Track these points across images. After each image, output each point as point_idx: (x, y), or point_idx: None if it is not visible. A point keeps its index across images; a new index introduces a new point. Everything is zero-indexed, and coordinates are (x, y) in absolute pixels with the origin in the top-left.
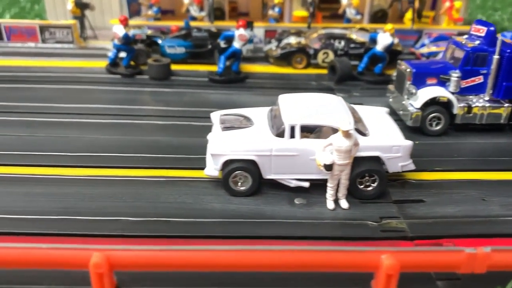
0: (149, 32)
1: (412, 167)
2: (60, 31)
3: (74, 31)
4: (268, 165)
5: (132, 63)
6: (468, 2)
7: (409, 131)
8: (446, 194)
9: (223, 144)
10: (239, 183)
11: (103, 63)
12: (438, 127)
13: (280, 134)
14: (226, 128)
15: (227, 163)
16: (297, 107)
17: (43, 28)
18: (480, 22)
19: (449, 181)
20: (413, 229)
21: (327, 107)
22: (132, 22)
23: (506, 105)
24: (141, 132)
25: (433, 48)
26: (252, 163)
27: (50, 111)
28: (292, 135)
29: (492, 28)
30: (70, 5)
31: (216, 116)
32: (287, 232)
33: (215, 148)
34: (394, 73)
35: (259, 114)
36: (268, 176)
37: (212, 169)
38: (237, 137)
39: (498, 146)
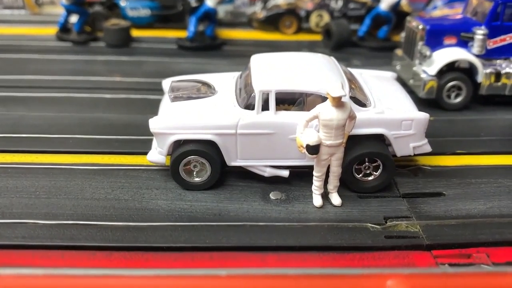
0: None
1: (428, 148)
2: None
3: None
4: (233, 147)
5: (87, 28)
6: None
7: (422, 104)
8: (472, 185)
9: (170, 119)
10: (194, 173)
11: (54, 30)
12: (458, 99)
13: (250, 106)
14: (177, 98)
15: (176, 146)
16: (273, 69)
17: None
18: None
19: (476, 168)
20: (430, 233)
21: (313, 69)
22: None
23: None
24: (81, 108)
25: (447, 11)
26: (211, 144)
27: None
28: (266, 107)
29: None
30: None
31: (167, 83)
32: (258, 240)
33: (158, 125)
34: (402, 34)
35: (224, 81)
36: (234, 162)
37: (157, 154)
38: (189, 109)
39: None
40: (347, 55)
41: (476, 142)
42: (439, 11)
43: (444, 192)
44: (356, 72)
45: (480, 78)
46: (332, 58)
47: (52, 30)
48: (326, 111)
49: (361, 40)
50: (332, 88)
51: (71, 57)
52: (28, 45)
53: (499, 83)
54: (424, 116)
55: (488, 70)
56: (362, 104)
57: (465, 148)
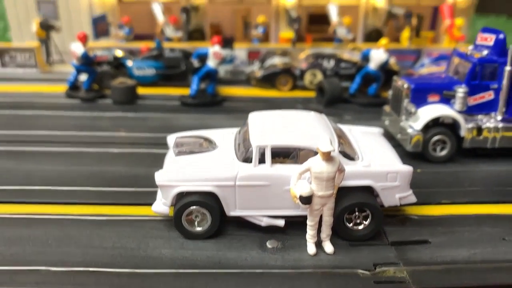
0: (119, 53)
1: (413, 199)
2: (21, 55)
3: (36, 54)
4: (232, 198)
5: (95, 86)
6: (471, 22)
7: (409, 157)
8: (456, 233)
9: (173, 172)
10: (196, 223)
11: (64, 88)
12: (443, 153)
13: (248, 159)
14: (181, 153)
15: (179, 197)
16: (269, 126)
17: (2, 52)
18: (488, 30)
19: (460, 217)
20: (417, 279)
21: (306, 126)
22: (100, 43)
23: None
24: (89, 161)
25: (434, 69)
26: (212, 196)
27: None
28: (262, 160)
29: (502, 36)
30: (34, 26)
31: (172, 139)
32: (256, 287)
33: (163, 177)
34: (390, 92)
35: (224, 136)
36: (233, 212)
37: (161, 205)
38: (192, 163)
39: None
40: (339, 111)
41: (460, 193)
42: (427, 68)
43: (430, 240)
44: (345, 128)
45: (463, 133)
46: (323, 115)
47: (62, 88)
48: (317, 164)
49: (352, 97)
50: (322, 143)
51: (80, 114)
52: (39, 102)
53: (481, 137)
54: (408, 168)
55: (470, 125)
56: (350, 158)
57: (450, 198)
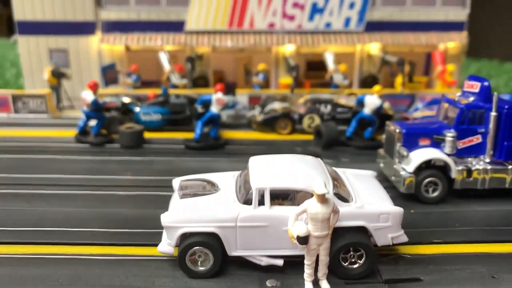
0: (127, 100)
1: (405, 239)
2: (33, 101)
3: (48, 100)
4: (233, 239)
5: (103, 131)
6: (462, 70)
7: (403, 198)
8: (448, 271)
9: (178, 214)
10: (199, 262)
11: (74, 133)
12: (435, 194)
13: (248, 201)
14: (185, 195)
15: (183, 237)
16: (268, 169)
17: (15, 98)
18: (473, 78)
19: (451, 256)
20: None
21: (302, 170)
22: (108, 90)
23: (510, 167)
24: (99, 203)
25: (427, 112)
26: (214, 236)
27: (7, 182)
28: (262, 202)
29: (486, 84)
30: (46, 74)
31: (177, 182)
32: None
33: (168, 219)
34: (383, 135)
35: (226, 179)
36: (234, 252)
37: (166, 245)
38: (195, 205)
39: (506, 214)
40: (337, 153)
41: (452, 232)
42: (420, 112)
43: (422, 278)
44: (340, 171)
45: (453, 175)
46: (319, 159)
47: (71, 133)
48: (313, 206)
49: (348, 140)
50: (317, 186)
51: (89, 158)
52: (50, 146)
53: (471, 179)
54: (398, 210)
55: (460, 167)
56: (344, 199)
57: (441, 238)
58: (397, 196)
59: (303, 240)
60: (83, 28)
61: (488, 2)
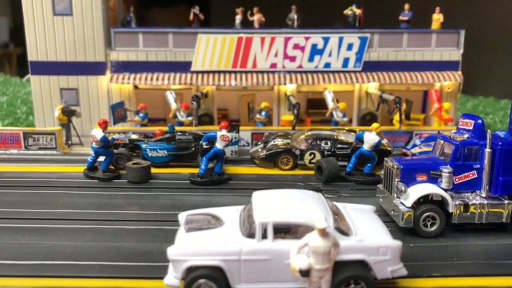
0: (135, 136)
1: (404, 272)
2: (43, 138)
3: (58, 137)
4: (237, 272)
5: (111, 167)
6: (458, 107)
7: (402, 232)
8: None
9: (184, 248)
10: None
11: (82, 168)
12: (433, 228)
13: (251, 235)
14: (190, 230)
15: (189, 270)
16: (271, 204)
17: (26, 135)
18: (468, 116)
19: None
20: None
21: (304, 204)
22: (116, 127)
23: (506, 202)
24: (106, 237)
25: (425, 148)
26: (218, 269)
27: (17, 216)
28: (265, 236)
29: (480, 121)
30: (57, 112)
31: (183, 217)
32: None
33: (174, 253)
34: (382, 171)
35: (231, 214)
36: (238, 285)
37: (172, 278)
38: (200, 239)
39: (504, 247)
40: (337, 188)
41: (450, 266)
42: (418, 148)
43: None
44: (341, 205)
45: (451, 209)
46: (320, 194)
47: (80, 168)
48: (314, 240)
49: (349, 175)
50: (318, 220)
51: (97, 192)
52: (59, 182)
53: (468, 213)
54: (397, 243)
55: (457, 202)
56: (345, 233)
57: (440, 271)
58: (396, 230)
59: (305, 273)
60: (94, 68)
61: (483, 42)
